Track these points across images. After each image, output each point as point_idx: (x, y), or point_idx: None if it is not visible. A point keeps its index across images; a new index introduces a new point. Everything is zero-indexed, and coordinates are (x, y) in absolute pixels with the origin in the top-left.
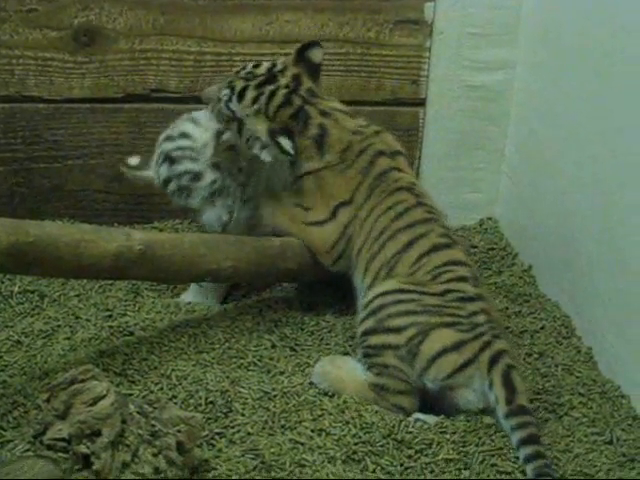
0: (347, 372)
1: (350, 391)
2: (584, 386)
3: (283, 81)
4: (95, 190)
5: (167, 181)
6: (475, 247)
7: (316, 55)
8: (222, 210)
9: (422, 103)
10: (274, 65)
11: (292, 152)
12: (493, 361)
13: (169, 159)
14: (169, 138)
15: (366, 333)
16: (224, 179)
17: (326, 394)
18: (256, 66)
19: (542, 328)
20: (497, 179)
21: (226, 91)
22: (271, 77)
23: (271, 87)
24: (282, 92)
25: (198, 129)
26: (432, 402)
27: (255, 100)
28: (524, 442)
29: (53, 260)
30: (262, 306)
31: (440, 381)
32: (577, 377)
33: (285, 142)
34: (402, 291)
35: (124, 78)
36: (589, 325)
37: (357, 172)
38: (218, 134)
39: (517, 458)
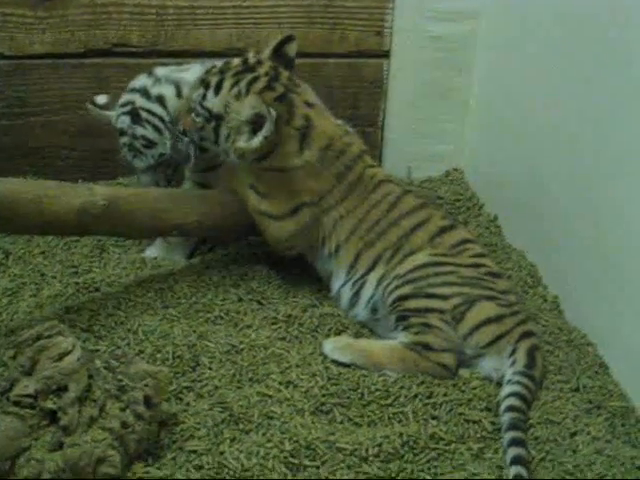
0: (369, 342)
1: (380, 357)
2: (550, 334)
3: (262, 70)
4: (58, 146)
5: (122, 133)
6: (441, 198)
7: (291, 49)
8: (161, 177)
9: (386, 55)
10: (247, 59)
11: (266, 135)
12: (523, 336)
13: (135, 115)
14: (145, 94)
15: (402, 299)
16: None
17: (292, 348)
18: (227, 62)
19: (508, 277)
20: (462, 130)
21: (199, 91)
22: (248, 68)
23: (251, 75)
24: (263, 79)
25: (176, 100)
26: None
27: (234, 85)
28: (515, 395)
29: (16, 217)
30: (228, 260)
31: (479, 349)
32: (543, 326)
33: (269, 125)
34: (438, 264)
35: (85, 33)
36: (555, 274)
37: (332, 176)
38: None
39: (488, 409)
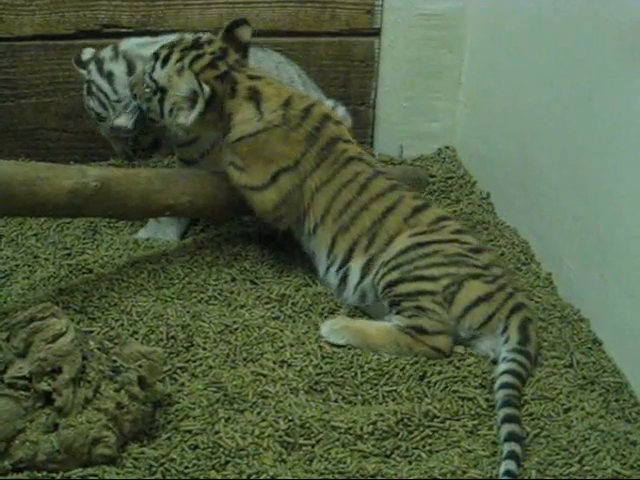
0: (365, 323)
1: (376, 340)
2: (544, 311)
3: (209, 49)
4: (50, 128)
5: (84, 101)
6: (433, 176)
7: (244, 33)
8: (126, 147)
9: (377, 33)
10: (199, 37)
11: (199, 112)
12: (513, 310)
13: (88, 87)
14: (100, 68)
15: (391, 284)
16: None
17: (285, 328)
18: (181, 38)
19: (501, 255)
20: (454, 108)
21: (151, 62)
22: (197, 45)
23: (196, 51)
24: (208, 57)
25: (126, 78)
26: None
27: (179, 60)
28: (510, 372)
29: (8, 199)
30: (221, 240)
31: (473, 330)
32: (537, 302)
33: (202, 101)
34: (421, 244)
35: (75, 14)
36: (548, 250)
37: (303, 138)
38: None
39: (482, 386)
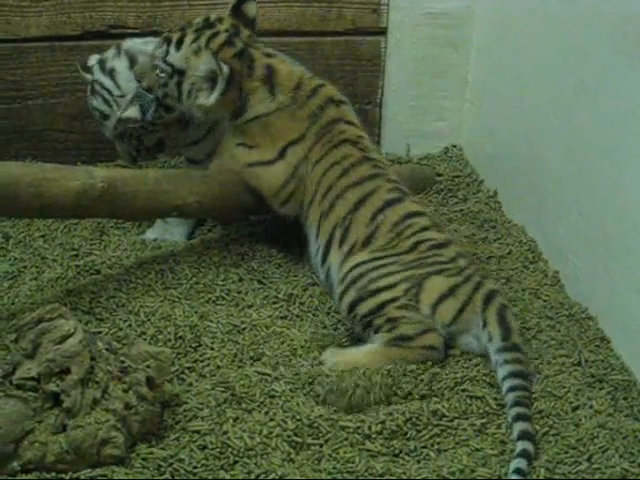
0: (354, 353)
1: (369, 365)
2: (552, 309)
3: (222, 27)
4: (57, 129)
5: (88, 102)
6: (440, 175)
7: (250, 9)
8: (130, 147)
9: (383, 32)
10: (208, 17)
11: (220, 92)
12: (487, 300)
13: (91, 87)
14: (102, 67)
15: (353, 305)
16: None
17: (293, 327)
18: (189, 22)
19: (509, 253)
20: (461, 106)
21: (162, 47)
22: (209, 25)
23: (211, 31)
24: (223, 35)
25: (128, 73)
26: None
27: (194, 41)
28: (513, 374)
29: (15, 200)
30: (228, 240)
31: (446, 327)
32: (544, 301)
33: (222, 81)
34: (377, 258)
35: (81, 15)
36: (555, 248)
37: (307, 116)
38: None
39: (491, 385)
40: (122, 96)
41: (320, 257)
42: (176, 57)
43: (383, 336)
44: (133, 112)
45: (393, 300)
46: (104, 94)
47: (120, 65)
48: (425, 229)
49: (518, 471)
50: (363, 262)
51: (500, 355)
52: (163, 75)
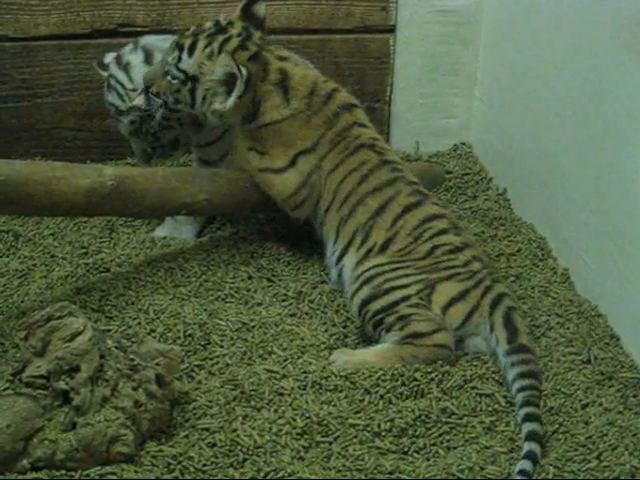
0: (364, 353)
1: (379, 365)
2: (561, 307)
3: (234, 31)
4: (66, 128)
5: (104, 98)
6: (450, 172)
7: (260, 10)
8: (146, 145)
9: (392, 30)
10: (219, 21)
11: (239, 95)
12: (494, 304)
13: (107, 83)
14: (118, 62)
15: (365, 302)
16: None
17: (302, 325)
18: (200, 25)
19: (518, 251)
20: (470, 104)
21: (174, 54)
22: (220, 29)
23: (223, 36)
24: (236, 39)
25: (143, 66)
26: None
27: (207, 46)
28: (521, 375)
29: (25, 198)
30: (237, 238)
31: (455, 330)
32: (554, 298)
33: (240, 84)
34: (393, 262)
35: (90, 13)
36: (565, 246)
37: (322, 122)
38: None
39: (500, 383)
40: (134, 90)
41: (335, 258)
42: (189, 63)
43: (395, 334)
44: (139, 101)
45: (405, 298)
46: (118, 88)
47: (136, 59)
48: (443, 232)
49: (522, 472)
50: (379, 264)
51: (508, 358)
52: (175, 82)
